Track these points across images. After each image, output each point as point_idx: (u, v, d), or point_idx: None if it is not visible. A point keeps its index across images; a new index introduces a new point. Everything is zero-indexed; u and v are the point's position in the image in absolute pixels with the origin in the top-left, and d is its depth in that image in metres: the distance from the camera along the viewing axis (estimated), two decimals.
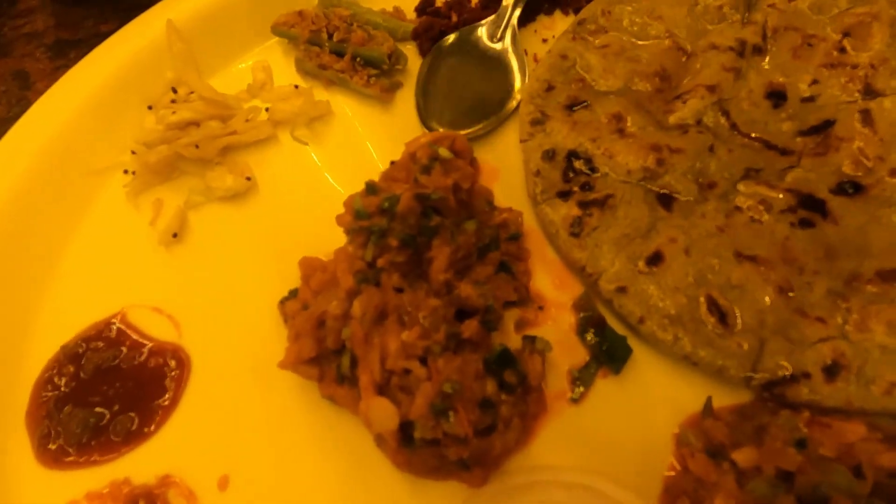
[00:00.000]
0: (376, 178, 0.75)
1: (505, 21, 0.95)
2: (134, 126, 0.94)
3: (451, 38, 0.96)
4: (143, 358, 0.75)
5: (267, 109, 0.95)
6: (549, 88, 0.82)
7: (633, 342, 0.68)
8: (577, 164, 0.75)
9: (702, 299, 0.65)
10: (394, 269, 0.65)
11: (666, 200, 0.71)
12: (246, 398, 0.72)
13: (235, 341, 0.77)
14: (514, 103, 0.89)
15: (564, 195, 0.74)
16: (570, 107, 0.80)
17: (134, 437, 0.70)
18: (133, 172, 0.91)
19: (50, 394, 0.73)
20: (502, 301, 0.70)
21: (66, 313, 0.80)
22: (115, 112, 0.96)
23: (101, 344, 0.77)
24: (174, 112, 0.90)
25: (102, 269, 0.85)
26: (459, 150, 0.77)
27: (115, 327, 0.78)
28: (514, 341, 0.70)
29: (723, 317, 0.64)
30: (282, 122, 0.95)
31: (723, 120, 0.75)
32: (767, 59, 0.78)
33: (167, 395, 0.72)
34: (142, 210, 0.90)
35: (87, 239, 0.88)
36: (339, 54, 0.98)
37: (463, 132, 0.86)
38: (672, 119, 0.77)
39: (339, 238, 0.72)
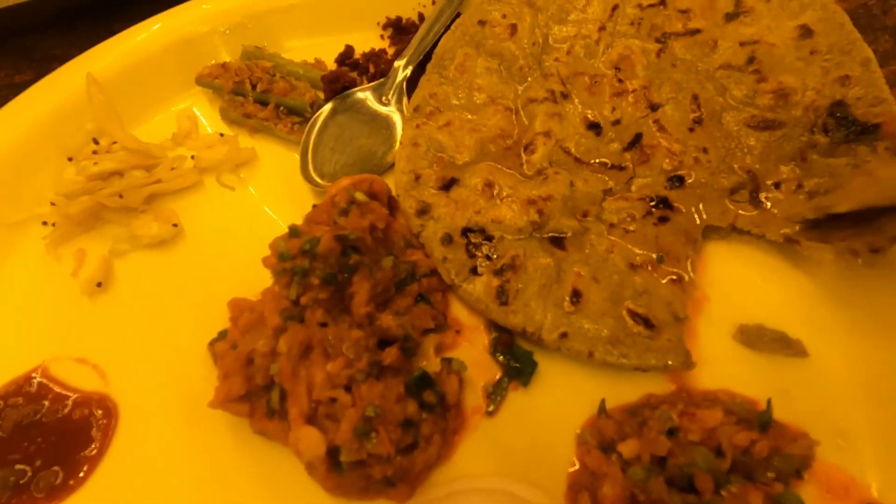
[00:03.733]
0: (301, 220, 0.81)
1: (395, 83, 1.03)
2: (52, 178, 0.94)
3: (336, 101, 1.01)
4: (66, 410, 0.75)
5: (193, 157, 0.99)
6: (418, 178, 0.87)
7: (538, 356, 0.77)
8: (474, 238, 0.81)
9: (624, 314, 0.75)
10: (317, 305, 0.70)
11: (558, 242, 0.81)
12: (176, 441, 0.74)
13: (165, 386, 0.78)
14: (391, 156, 0.95)
15: (476, 270, 0.79)
16: (444, 188, 0.86)
17: (58, 492, 0.69)
18: (53, 224, 0.91)
19: None
20: (421, 329, 0.77)
21: None
22: (33, 164, 0.96)
23: (20, 400, 0.76)
24: (96, 163, 0.92)
25: (20, 323, 0.84)
26: (377, 191, 0.85)
27: (35, 381, 0.78)
28: (435, 364, 0.77)
29: (646, 322, 0.74)
30: (208, 169, 0.98)
31: (566, 156, 0.89)
32: (575, 100, 0.94)
33: (94, 446, 0.72)
34: (63, 261, 0.90)
35: (2, 293, 0.87)
36: (263, 103, 1.04)
37: None
38: (529, 169, 0.88)
39: (266, 279, 0.77)
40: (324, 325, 0.70)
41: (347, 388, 0.67)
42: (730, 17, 0.96)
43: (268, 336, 0.71)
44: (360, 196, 0.75)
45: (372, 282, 0.72)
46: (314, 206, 0.81)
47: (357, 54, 1.13)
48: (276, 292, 0.73)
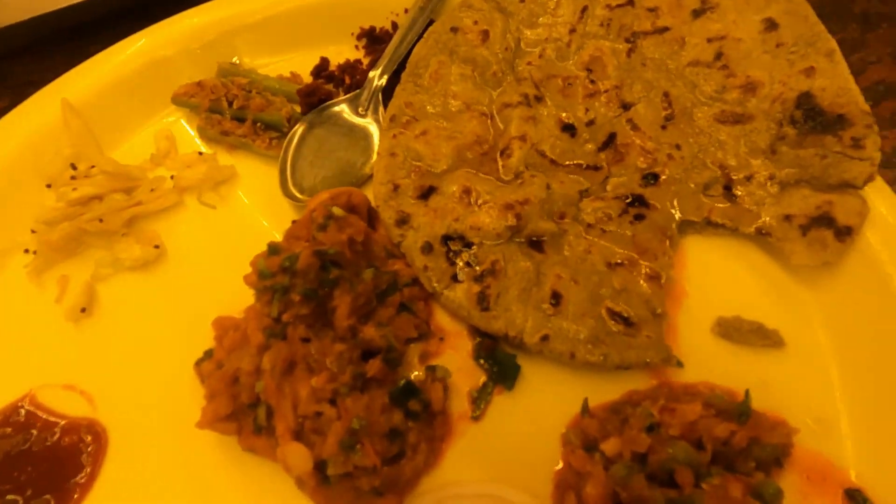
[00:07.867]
0: (283, 235, 0.82)
1: (370, 93, 1.03)
2: (32, 206, 0.94)
3: (312, 114, 1.01)
4: (55, 438, 0.76)
5: (172, 177, 0.99)
6: (396, 188, 0.88)
7: (521, 359, 0.78)
8: (454, 246, 0.82)
9: (604, 313, 0.76)
10: (299, 321, 0.71)
11: (537, 245, 0.82)
12: (167, 462, 0.74)
13: (153, 408, 0.79)
14: (370, 167, 0.96)
15: (457, 277, 0.80)
16: (423, 197, 0.87)
17: None
18: (34, 252, 0.91)
19: None
20: (404, 338, 0.77)
21: None
22: (11, 192, 0.96)
23: (9, 430, 0.76)
24: (75, 188, 0.92)
25: (6, 352, 0.84)
26: (356, 203, 0.86)
27: (23, 410, 0.78)
28: (421, 372, 0.78)
29: (626, 320, 0.76)
30: (188, 189, 0.99)
31: (542, 159, 0.90)
32: (548, 103, 0.95)
33: (84, 472, 0.73)
34: (46, 288, 0.90)
35: None
36: (240, 120, 1.04)
37: None
38: (506, 174, 0.89)
39: (251, 296, 0.77)
40: (307, 340, 0.71)
41: (332, 402, 0.68)
42: (696, 14, 0.98)
43: (252, 354, 0.71)
44: (337, 210, 0.76)
45: (353, 295, 0.73)
46: (293, 221, 0.82)
47: (332, 66, 1.13)
48: (258, 310, 0.73)
